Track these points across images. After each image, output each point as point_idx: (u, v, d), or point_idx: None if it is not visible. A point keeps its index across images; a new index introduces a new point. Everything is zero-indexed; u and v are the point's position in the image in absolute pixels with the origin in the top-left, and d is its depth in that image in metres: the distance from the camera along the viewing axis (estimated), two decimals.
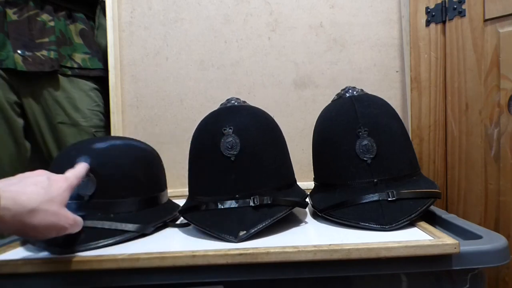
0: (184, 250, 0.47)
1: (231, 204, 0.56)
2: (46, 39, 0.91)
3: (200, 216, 0.57)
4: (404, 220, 0.53)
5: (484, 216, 0.77)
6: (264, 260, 0.45)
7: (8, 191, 0.37)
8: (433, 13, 0.84)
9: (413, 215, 0.53)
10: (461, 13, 0.79)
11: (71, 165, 0.55)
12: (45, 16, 0.91)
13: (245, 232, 0.52)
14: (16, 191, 0.38)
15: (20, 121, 0.92)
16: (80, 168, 0.52)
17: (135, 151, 0.65)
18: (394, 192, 0.55)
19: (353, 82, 0.94)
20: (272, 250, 0.45)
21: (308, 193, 0.68)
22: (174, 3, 0.98)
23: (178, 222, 0.66)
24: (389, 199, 0.55)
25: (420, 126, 0.86)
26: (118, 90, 0.97)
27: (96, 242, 0.51)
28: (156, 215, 0.62)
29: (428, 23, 0.85)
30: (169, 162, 0.82)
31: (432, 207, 0.62)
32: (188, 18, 0.98)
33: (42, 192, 0.41)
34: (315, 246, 0.45)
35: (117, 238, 0.53)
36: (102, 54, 1.01)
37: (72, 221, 0.45)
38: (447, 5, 0.82)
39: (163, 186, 0.70)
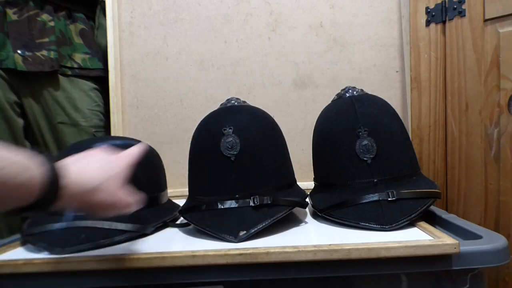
0: (184, 250, 0.47)
1: (231, 204, 0.56)
2: (46, 39, 0.91)
3: (200, 216, 0.57)
4: (404, 220, 0.53)
5: (484, 216, 0.77)
6: (264, 260, 0.45)
7: (72, 168, 0.37)
8: (433, 13, 0.84)
9: (413, 215, 0.53)
10: (461, 13, 0.79)
11: None
12: (45, 16, 0.91)
13: (245, 232, 0.52)
14: (80, 168, 0.38)
15: (20, 121, 0.92)
16: (137, 148, 0.49)
17: None
18: (394, 192, 0.55)
19: (353, 82, 0.94)
20: (272, 250, 0.45)
21: (308, 193, 0.68)
22: (174, 3, 0.98)
23: (178, 222, 0.66)
24: (389, 199, 0.55)
25: (420, 126, 0.86)
26: (118, 90, 0.97)
27: (96, 242, 0.51)
28: (156, 215, 0.62)
29: (428, 23, 0.85)
30: (169, 162, 0.82)
31: (432, 207, 0.62)
32: (188, 18, 0.98)
33: (104, 169, 0.41)
34: (315, 246, 0.45)
35: (117, 238, 0.53)
36: (102, 54, 1.01)
37: (133, 199, 0.44)
38: (447, 5, 0.82)
39: (163, 186, 0.70)
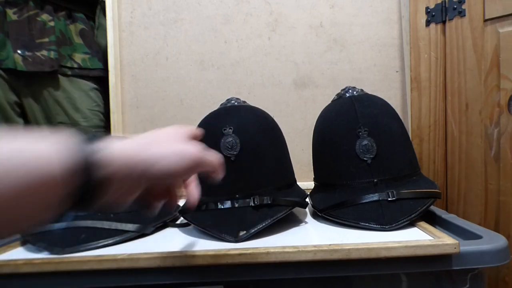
0: (184, 250, 0.47)
1: (231, 204, 0.56)
2: (46, 39, 0.91)
3: (200, 216, 0.57)
4: (404, 220, 0.53)
5: (484, 216, 0.77)
6: (264, 260, 0.45)
7: (116, 144, 0.30)
8: (433, 13, 0.84)
9: (413, 215, 0.53)
10: (461, 13, 0.79)
11: None
12: (45, 16, 0.91)
13: (245, 232, 0.51)
14: (125, 142, 0.32)
15: (20, 121, 0.92)
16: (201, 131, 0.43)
17: None
18: (394, 192, 0.55)
19: (353, 82, 0.94)
20: (272, 250, 0.45)
21: (308, 193, 0.68)
22: (174, 3, 0.98)
23: (178, 222, 0.66)
24: (389, 199, 0.55)
25: (420, 126, 0.86)
26: (118, 90, 0.96)
27: (96, 242, 0.51)
28: (156, 215, 0.62)
29: (428, 23, 0.85)
30: None
31: (432, 207, 0.62)
32: (188, 18, 0.98)
33: (152, 135, 0.35)
34: (315, 246, 0.45)
35: (117, 238, 0.53)
36: (102, 54, 1.01)
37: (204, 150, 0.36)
38: (447, 5, 0.82)
39: None
